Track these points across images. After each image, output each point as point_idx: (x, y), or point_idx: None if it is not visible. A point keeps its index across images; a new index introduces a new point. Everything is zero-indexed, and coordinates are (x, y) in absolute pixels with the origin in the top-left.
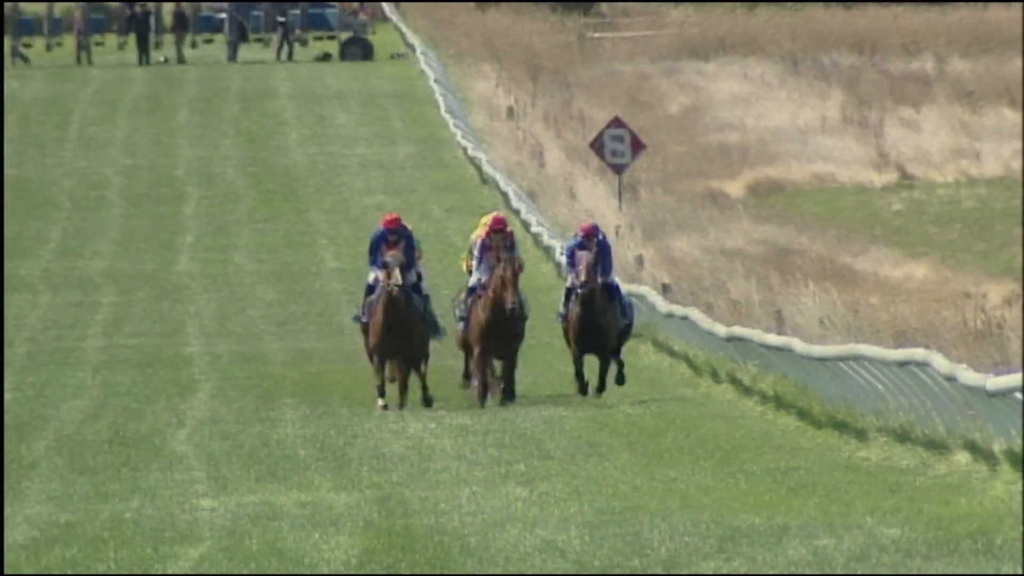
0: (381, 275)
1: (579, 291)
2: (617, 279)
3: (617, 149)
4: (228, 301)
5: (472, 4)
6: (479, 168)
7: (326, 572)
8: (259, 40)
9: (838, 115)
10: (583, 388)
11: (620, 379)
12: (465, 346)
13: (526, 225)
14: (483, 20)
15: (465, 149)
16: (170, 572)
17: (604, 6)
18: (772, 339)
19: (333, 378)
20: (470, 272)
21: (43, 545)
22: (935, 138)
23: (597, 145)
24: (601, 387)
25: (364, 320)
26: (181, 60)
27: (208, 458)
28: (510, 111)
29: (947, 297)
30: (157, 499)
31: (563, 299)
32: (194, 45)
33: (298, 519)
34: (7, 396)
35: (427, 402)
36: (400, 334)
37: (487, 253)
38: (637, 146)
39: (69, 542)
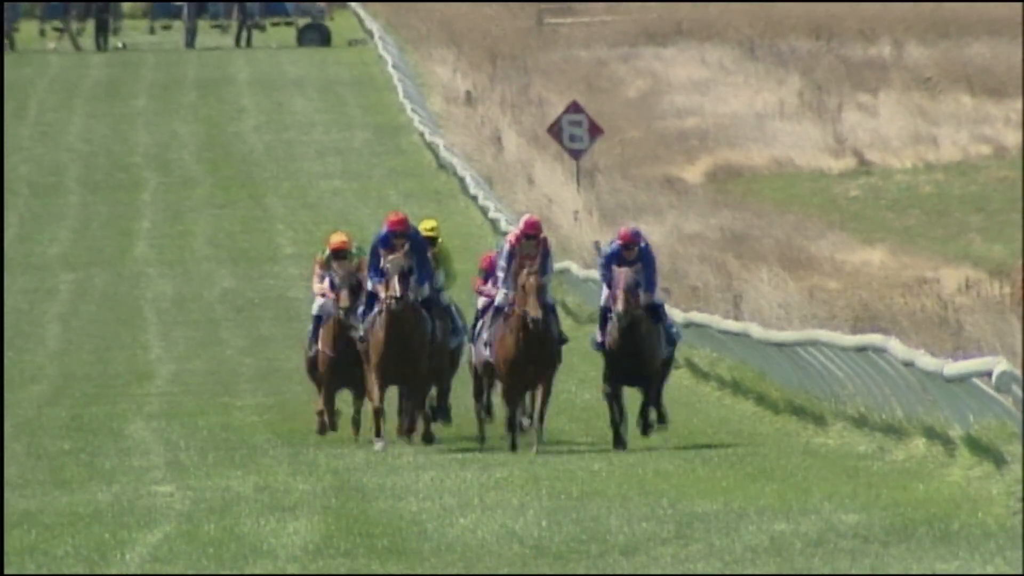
0: (380, 287)
1: (617, 320)
2: (662, 296)
3: (575, 134)
4: (185, 287)
5: None
6: (436, 153)
7: (284, 557)
8: (218, 26)
9: (796, 101)
10: (621, 439)
11: (661, 418)
12: (486, 375)
13: (484, 210)
14: (441, 5)
15: (422, 134)
16: (128, 557)
17: None
18: (730, 324)
19: (290, 362)
20: (479, 294)
21: (3, 530)
22: (892, 124)
23: (555, 130)
24: (646, 427)
25: (364, 339)
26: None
27: (166, 444)
28: (468, 96)
29: (904, 283)
30: (115, 484)
31: (599, 321)
32: (152, 31)
33: (256, 504)
34: None
35: (428, 439)
36: (403, 356)
37: (514, 263)
38: (595, 131)
39: (27, 527)
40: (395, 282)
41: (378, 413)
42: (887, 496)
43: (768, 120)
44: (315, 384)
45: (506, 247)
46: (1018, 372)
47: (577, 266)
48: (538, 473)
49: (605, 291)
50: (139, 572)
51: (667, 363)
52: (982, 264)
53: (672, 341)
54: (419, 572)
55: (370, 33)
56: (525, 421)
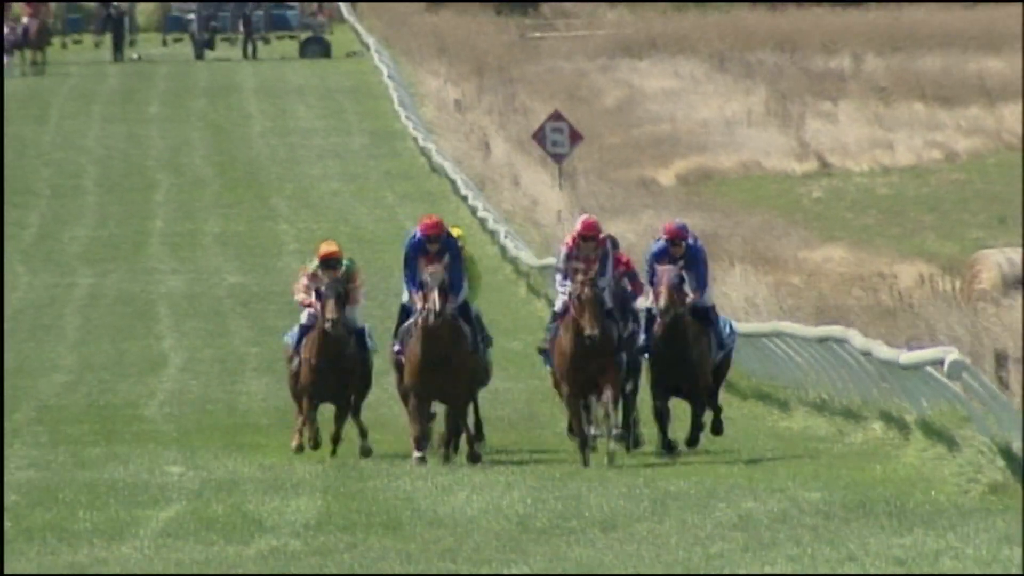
0: (417, 298)
1: (660, 316)
2: (713, 299)
3: (557, 140)
4: (196, 281)
5: (422, 6)
6: (429, 157)
7: (287, 532)
8: (226, 40)
9: (762, 109)
10: (668, 444)
11: (716, 427)
12: (556, 386)
13: (473, 210)
14: (432, 21)
15: (416, 140)
16: (142, 532)
17: (545, 7)
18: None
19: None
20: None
21: (24, 507)
22: (851, 130)
23: (539, 136)
24: (694, 440)
25: (400, 353)
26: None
27: (177, 427)
28: (458, 104)
29: (863, 278)
30: (130, 465)
31: (643, 325)
32: (165, 43)
33: (261, 483)
34: None
35: (474, 458)
36: (442, 371)
37: (572, 265)
38: (575, 137)
39: (48, 505)
40: (435, 296)
41: (420, 431)
42: (847, 476)
43: (736, 127)
44: (295, 399)
45: (563, 250)
46: (968, 361)
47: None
48: (523, 455)
49: (650, 293)
50: (152, 546)
51: (720, 368)
52: (935, 260)
53: (724, 345)
54: (412, 546)
55: (367, 46)
56: (592, 430)
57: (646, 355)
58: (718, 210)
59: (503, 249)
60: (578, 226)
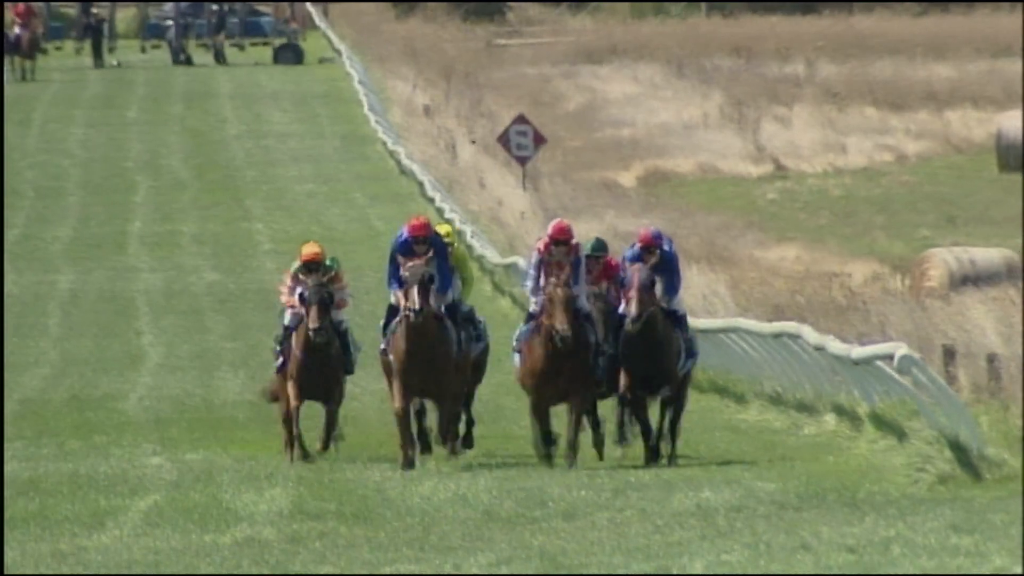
0: (399, 295)
1: (628, 327)
2: (684, 306)
3: (521, 143)
4: (174, 280)
5: (392, 13)
6: (398, 160)
7: (261, 520)
8: (203, 45)
9: (718, 113)
10: (656, 450)
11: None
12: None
13: (440, 211)
14: (402, 27)
15: (385, 143)
16: (121, 520)
17: (511, 15)
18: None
19: (268, 348)
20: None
21: (8, 498)
22: (805, 134)
23: (504, 139)
24: (673, 433)
25: (385, 352)
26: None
27: (156, 421)
28: (426, 109)
29: (816, 276)
30: (110, 457)
31: (613, 329)
32: (143, 50)
33: (236, 474)
34: None
35: (467, 443)
36: (427, 368)
37: (546, 270)
38: (539, 140)
39: (32, 495)
40: (414, 293)
41: (404, 423)
42: (801, 467)
43: (694, 130)
44: (284, 398)
45: (535, 255)
46: (917, 356)
47: (524, 261)
48: (489, 447)
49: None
50: (132, 534)
51: (685, 379)
52: (885, 259)
53: (692, 354)
54: (381, 534)
55: (339, 52)
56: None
57: (616, 359)
58: (676, 211)
59: (469, 248)
60: (550, 230)
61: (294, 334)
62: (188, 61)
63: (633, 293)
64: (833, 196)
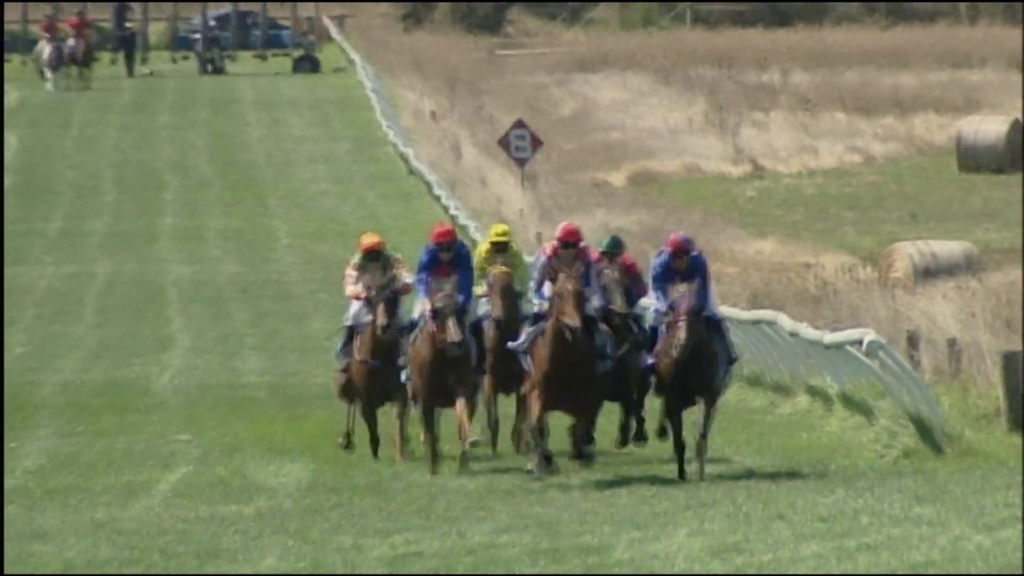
0: (424, 303)
1: (675, 354)
2: (718, 308)
3: (520, 146)
4: (201, 271)
5: (401, 27)
6: (407, 161)
7: (280, 493)
8: (229, 57)
9: (701, 118)
10: (682, 458)
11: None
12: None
13: (445, 208)
14: (410, 40)
15: (395, 146)
16: (152, 492)
17: (510, 28)
18: (645, 302)
19: (286, 333)
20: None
21: (49, 471)
22: (781, 137)
23: (504, 142)
24: (704, 436)
25: (404, 364)
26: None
27: (184, 400)
28: (432, 114)
29: (791, 268)
30: (142, 433)
31: (648, 342)
32: (173, 61)
33: (258, 449)
34: (20, 350)
35: (464, 457)
36: (450, 381)
37: (553, 268)
38: (536, 143)
39: (70, 469)
40: (451, 324)
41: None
42: (776, 443)
43: (679, 134)
44: (347, 401)
45: (542, 258)
46: (884, 341)
47: (524, 255)
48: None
49: (655, 306)
50: (162, 504)
51: (720, 388)
52: (855, 252)
53: (731, 360)
54: (392, 505)
55: (352, 62)
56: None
57: (650, 370)
58: (662, 208)
59: (473, 242)
60: (558, 233)
61: (357, 337)
62: (216, 70)
63: (683, 318)
64: (806, 194)
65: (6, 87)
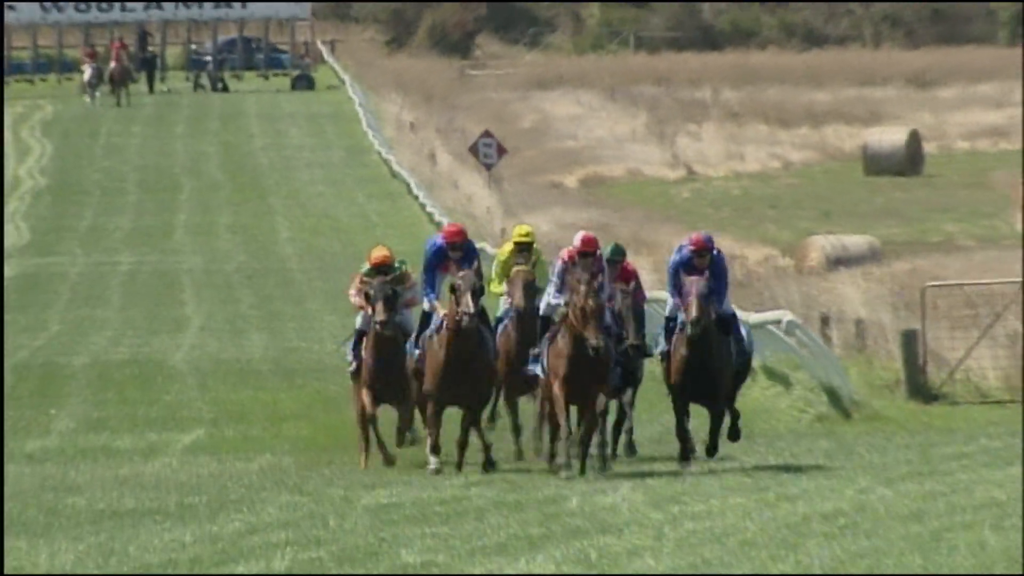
0: (437, 304)
1: (688, 331)
2: (733, 306)
3: (487, 153)
4: (212, 262)
5: (385, 51)
6: (390, 166)
7: (280, 451)
8: (235, 76)
9: (643, 129)
10: (687, 451)
11: (734, 434)
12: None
13: (423, 206)
14: (392, 61)
15: (380, 153)
16: (171, 450)
17: (478, 52)
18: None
19: (287, 314)
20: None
21: (81, 433)
22: (711, 145)
23: (473, 150)
24: (713, 448)
25: (420, 361)
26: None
27: (197, 373)
28: (411, 126)
29: None
30: (161, 401)
31: (663, 331)
32: (188, 79)
33: (261, 414)
34: (55, 328)
35: (489, 464)
36: (464, 375)
37: (572, 276)
38: (501, 151)
39: (100, 431)
40: (468, 298)
41: (436, 438)
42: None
43: (624, 143)
44: (360, 426)
45: (559, 263)
46: (800, 321)
47: (490, 247)
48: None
49: (671, 300)
50: (178, 461)
51: (740, 374)
52: (775, 244)
53: (744, 351)
54: (377, 460)
55: (343, 81)
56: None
57: (663, 362)
58: (609, 207)
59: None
60: (577, 242)
61: (365, 339)
62: (224, 88)
63: (692, 299)
64: (733, 195)
65: (43, 103)
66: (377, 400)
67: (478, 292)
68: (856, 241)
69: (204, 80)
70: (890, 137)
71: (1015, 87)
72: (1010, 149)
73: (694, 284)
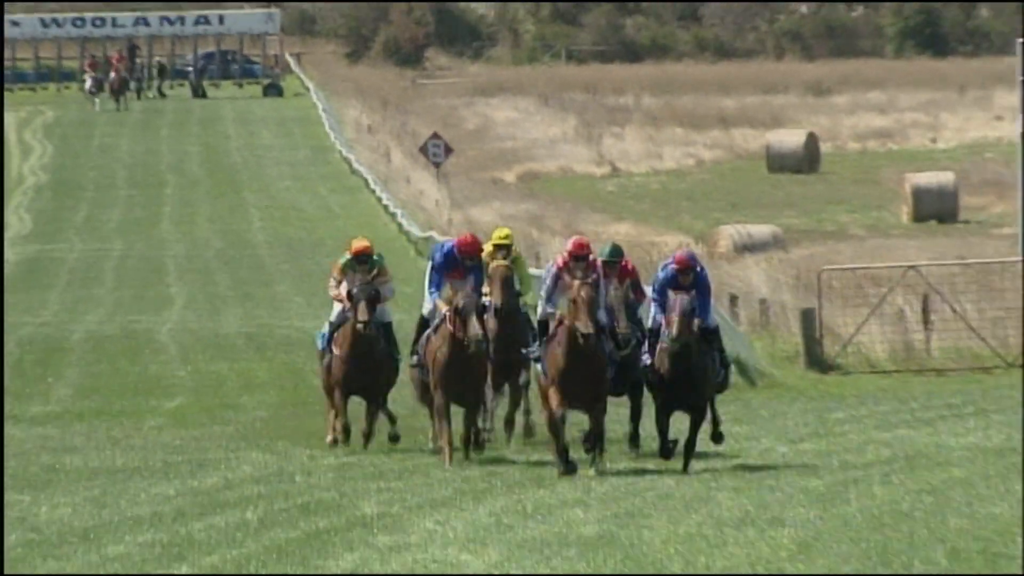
0: (440, 303)
1: (669, 347)
2: (717, 317)
3: (436, 152)
4: (193, 249)
5: (345, 62)
6: (350, 164)
7: (255, 413)
8: (214, 85)
9: (573, 132)
10: (667, 450)
11: (716, 436)
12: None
13: (379, 199)
14: (352, 71)
15: (341, 152)
16: (153, 416)
17: (428, 63)
18: (533, 271)
19: (259, 295)
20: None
21: (77, 399)
22: (634, 145)
23: (423, 149)
24: (689, 449)
25: (418, 366)
26: (162, 95)
27: (180, 346)
28: (369, 128)
29: (641, 244)
30: (148, 370)
31: (647, 342)
32: (171, 87)
33: (236, 383)
34: (56, 306)
35: (478, 444)
36: (465, 377)
37: (566, 278)
38: (448, 150)
39: (93, 397)
40: (474, 321)
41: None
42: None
43: (556, 143)
44: (327, 393)
45: (553, 269)
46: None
47: (439, 236)
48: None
49: (658, 315)
50: (165, 424)
51: (720, 384)
52: (690, 232)
53: (725, 364)
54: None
55: (308, 89)
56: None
57: (648, 374)
58: (543, 199)
59: (399, 225)
60: (569, 246)
61: (337, 333)
62: (203, 95)
63: (675, 317)
64: (653, 189)
65: (44, 108)
66: (347, 392)
67: (480, 313)
68: (761, 230)
69: (165, 89)
70: (790, 138)
71: (899, 95)
72: (896, 149)
73: (678, 302)
